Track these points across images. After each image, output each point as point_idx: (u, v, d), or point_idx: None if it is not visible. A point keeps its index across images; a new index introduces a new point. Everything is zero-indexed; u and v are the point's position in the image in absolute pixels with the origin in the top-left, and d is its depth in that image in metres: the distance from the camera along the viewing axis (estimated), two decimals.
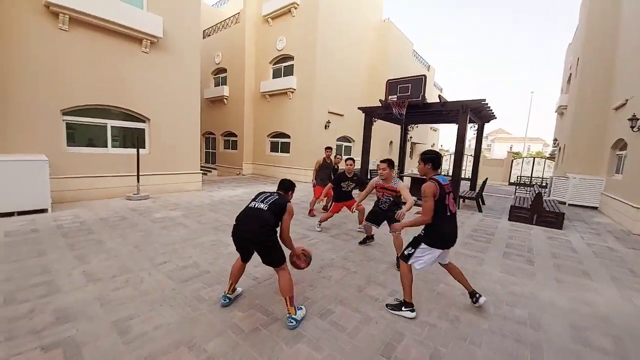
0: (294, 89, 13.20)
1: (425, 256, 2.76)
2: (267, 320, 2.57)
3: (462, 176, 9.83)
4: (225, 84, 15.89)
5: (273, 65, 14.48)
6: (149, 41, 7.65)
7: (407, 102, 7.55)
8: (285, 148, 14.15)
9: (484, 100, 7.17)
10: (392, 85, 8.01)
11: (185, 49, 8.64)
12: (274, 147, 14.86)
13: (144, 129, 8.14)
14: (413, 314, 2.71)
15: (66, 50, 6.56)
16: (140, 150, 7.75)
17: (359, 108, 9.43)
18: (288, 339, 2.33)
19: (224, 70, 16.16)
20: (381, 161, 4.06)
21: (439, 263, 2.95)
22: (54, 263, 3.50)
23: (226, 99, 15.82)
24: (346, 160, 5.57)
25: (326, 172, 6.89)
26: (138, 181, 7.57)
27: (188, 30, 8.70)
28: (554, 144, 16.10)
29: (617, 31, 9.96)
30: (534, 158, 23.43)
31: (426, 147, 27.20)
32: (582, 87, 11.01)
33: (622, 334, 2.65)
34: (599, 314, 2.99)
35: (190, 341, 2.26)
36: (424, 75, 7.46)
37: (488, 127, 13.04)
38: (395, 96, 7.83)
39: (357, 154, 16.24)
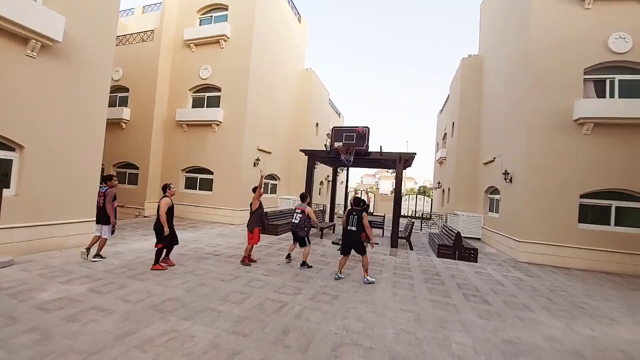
0: (220, 122, 12.10)
1: None
2: None
3: (377, 213, 11.01)
4: (126, 106, 13.15)
5: (194, 93, 13.05)
6: (39, 43, 5.57)
7: (354, 150, 8.00)
8: (206, 185, 12.45)
9: (415, 153, 8.34)
10: (338, 133, 8.39)
11: (92, 62, 6.74)
12: (190, 184, 12.84)
13: (11, 160, 5.57)
14: None
15: None
16: (3, 191, 5.19)
17: (301, 150, 9.37)
18: None
19: (124, 90, 13.45)
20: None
21: None
22: None
23: (125, 122, 13.02)
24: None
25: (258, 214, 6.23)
26: None
27: (99, 39, 6.89)
28: (437, 185, 20.19)
29: (480, 107, 13.80)
30: (417, 195, 30.04)
31: (338, 185, 29.36)
32: (459, 145, 14.46)
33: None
34: (570, 347, 3.55)
35: None
36: (368, 127, 8.17)
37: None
38: (342, 143, 8.19)
39: (281, 192, 15.93)
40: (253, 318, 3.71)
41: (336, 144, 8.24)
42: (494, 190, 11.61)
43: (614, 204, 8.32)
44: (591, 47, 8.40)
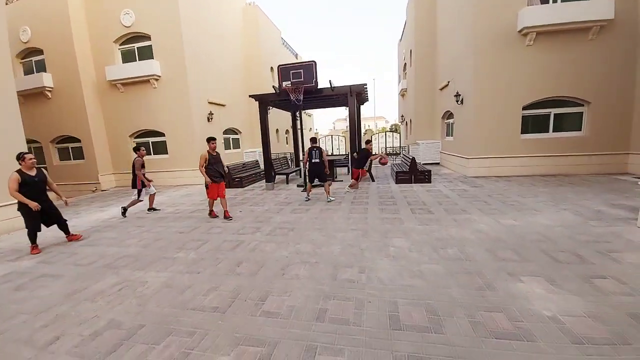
0: (159, 76, 10.93)
1: None
2: None
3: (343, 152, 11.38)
4: (45, 71, 11.40)
5: (120, 45, 11.42)
6: None
7: (303, 88, 7.65)
8: (161, 149, 11.77)
9: (365, 84, 8.15)
10: (284, 71, 7.88)
11: None
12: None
13: None
14: None
15: None
16: None
17: (250, 96, 8.82)
18: None
19: (39, 52, 11.51)
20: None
21: None
22: None
23: (49, 90, 11.44)
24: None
25: (217, 168, 5.85)
26: None
27: None
28: (401, 119, 20.43)
29: (435, 29, 13.32)
30: (385, 132, 31.02)
31: (306, 132, 28.97)
32: (417, 74, 14.28)
33: (513, 245, 3.73)
34: (492, 236, 4.10)
35: None
36: (314, 61, 7.71)
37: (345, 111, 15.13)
38: (290, 82, 7.77)
39: (245, 145, 15.50)
40: (208, 258, 3.88)
41: (284, 84, 7.81)
42: (449, 115, 11.94)
43: (553, 111, 8.89)
44: None
